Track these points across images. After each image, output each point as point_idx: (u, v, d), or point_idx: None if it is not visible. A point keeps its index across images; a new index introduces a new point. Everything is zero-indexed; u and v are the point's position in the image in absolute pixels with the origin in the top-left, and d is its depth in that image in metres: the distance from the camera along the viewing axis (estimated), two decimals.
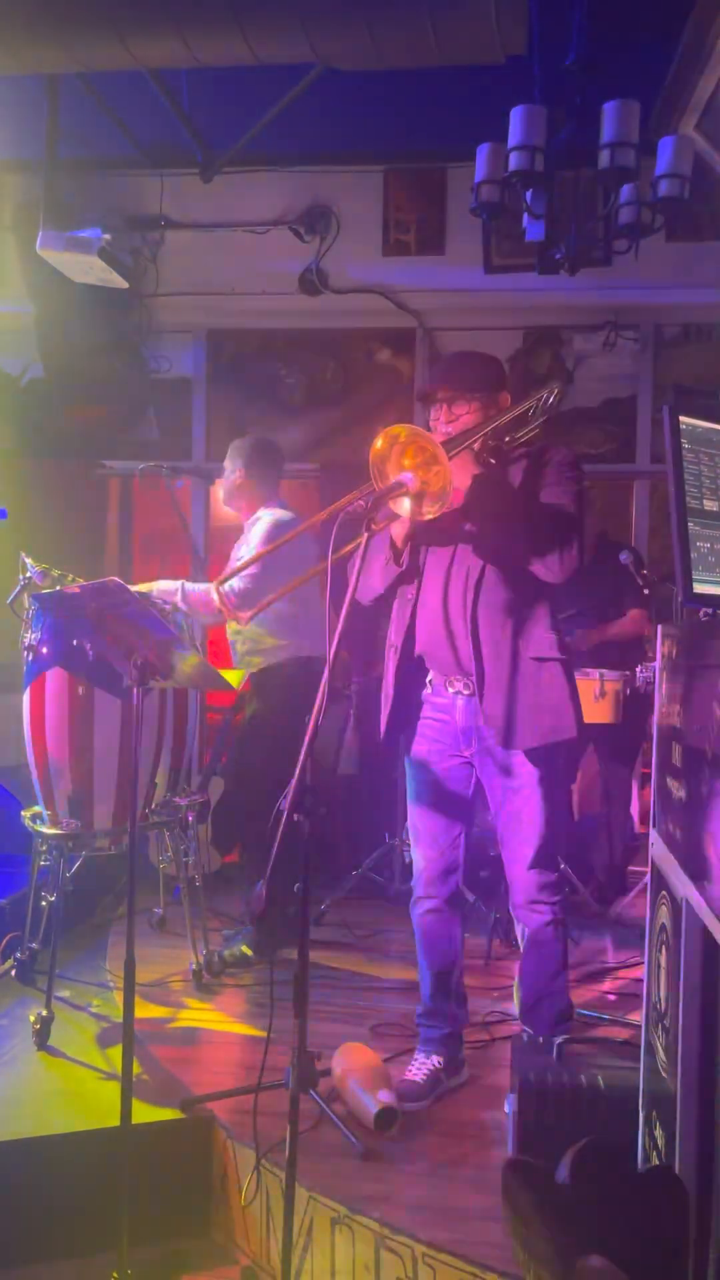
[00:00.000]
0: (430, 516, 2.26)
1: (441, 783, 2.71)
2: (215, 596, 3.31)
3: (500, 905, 3.75)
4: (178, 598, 3.43)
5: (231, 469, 3.80)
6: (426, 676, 2.72)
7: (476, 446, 2.52)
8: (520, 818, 2.62)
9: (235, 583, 3.39)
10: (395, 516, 2.38)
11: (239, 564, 3.43)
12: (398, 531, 2.55)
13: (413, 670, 2.71)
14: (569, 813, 4.48)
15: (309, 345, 5.67)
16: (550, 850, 2.65)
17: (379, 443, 2.20)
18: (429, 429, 2.60)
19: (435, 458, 2.18)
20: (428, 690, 2.72)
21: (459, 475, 2.46)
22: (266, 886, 2.24)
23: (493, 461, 2.58)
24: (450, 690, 2.65)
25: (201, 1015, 3.31)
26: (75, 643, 3.15)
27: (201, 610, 3.45)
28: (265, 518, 3.63)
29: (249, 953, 3.58)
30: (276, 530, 3.54)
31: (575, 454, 2.64)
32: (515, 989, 2.79)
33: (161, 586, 3.51)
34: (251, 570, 3.33)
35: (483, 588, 2.56)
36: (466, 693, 2.62)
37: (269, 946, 3.57)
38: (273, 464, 3.80)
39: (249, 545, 3.59)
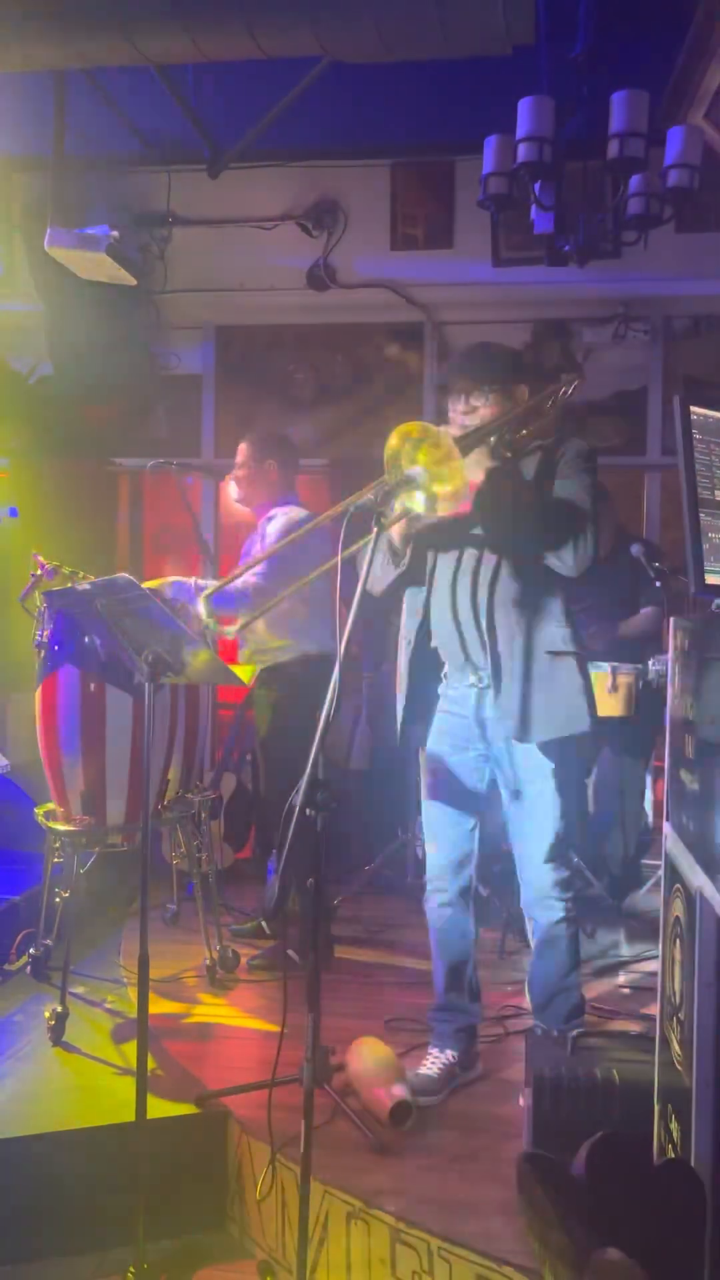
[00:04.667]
0: (443, 512, 2.26)
1: (455, 776, 2.71)
2: (202, 609, 3.08)
3: (514, 899, 3.75)
4: (199, 609, 3.36)
5: (248, 463, 3.72)
6: (441, 669, 2.72)
7: (491, 440, 2.51)
8: (533, 812, 2.62)
9: (251, 580, 3.35)
10: (408, 513, 2.37)
11: (250, 561, 3.41)
12: (396, 532, 2.53)
13: (428, 664, 2.70)
14: (583, 807, 4.47)
15: (318, 340, 5.66)
16: (563, 846, 2.64)
17: (393, 439, 2.20)
18: (444, 421, 2.59)
19: (449, 454, 2.17)
20: (442, 684, 2.71)
21: (474, 469, 2.45)
22: (280, 882, 2.23)
23: (508, 455, 2.57)
24: (464, 683, 2.65)
25: (215, 1010, 3.31)
26: (87, 640, 3.16)
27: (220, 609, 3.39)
28: (280, 516, 3.60)
29: (294, 957, 3.52)
30: (290, 528, 3.51)
31: (591, 447, 2.63)
32: (527, 985, 2.78)
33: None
34: (262, 569, 3.32)
35: (497, 581, 2.55)
36: (481, 685, 2.61)
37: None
38: (290, 457, 3.78)
39: (266, 542, 3.56)
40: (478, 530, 2.59)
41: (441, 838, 2.74)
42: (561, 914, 2.65)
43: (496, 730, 2.61)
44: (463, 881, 2.75)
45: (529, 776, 2.61)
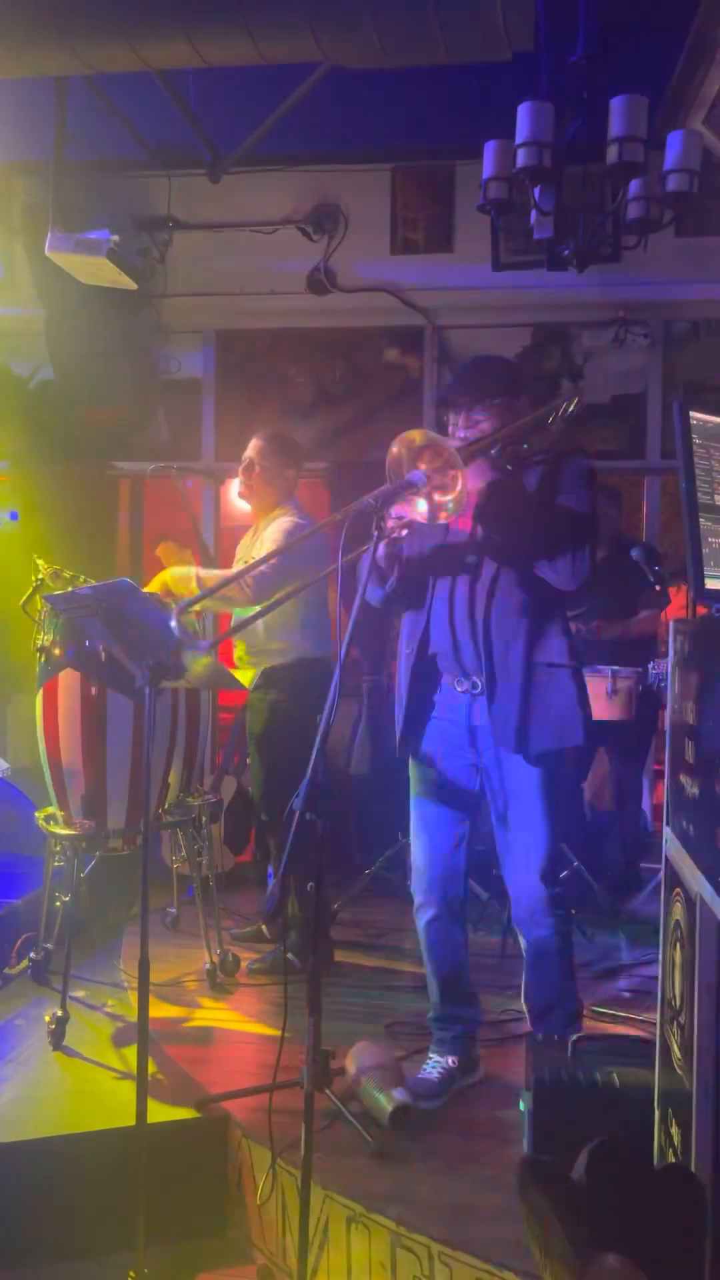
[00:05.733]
0: (443, 520, 2.26)
1: (446, 784, 2.69)
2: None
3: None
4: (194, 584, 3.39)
5: (266, 465, 3.69)
6: (440, 678, 2.70)
7: (492, 452, 2.51)
8: (522, 827, 2.59)
9: (251, 579, 3.38)
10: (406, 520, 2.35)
11: (253, 561, 3.41)
12: (383, 553, 2.49)
13: (428, 673, 2.69)
14: (575, 819, 4.47)
15: (318, 345, 5.67)
16: (555, 862, 2.61)
17: (394, 448, 2.20)
18: (445, 433, 2.59)
19: (450, 463, 2.18)
20: (438, 691, 2.70)
21: (474, 480, 2.45)
22: (280, 886, 2.23)
23: (509, 467, 2.57)
24: (459, 690, 2.64)
25: (216, 1015, 3.31)
26: (88, 644, 3.16)
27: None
28: (285, 520, 3.61)
29: (295, 961, 3.49)
30: (293, 534, 3.53)
31: (592, 463, 2.62)
32: (522, 996, 2.76)
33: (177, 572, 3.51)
34: (271, 569, 3.34)
35: (496, 592, 2.54)
36: (475, 692, 2.61)
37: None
38: (295, 459, 3.79)
39: (266, 545, 3.57)
40: (477, 541, 2.59)
41: (428, 847, 2.71)
42: (551, 931, 2.61)
43: (486, 739, 2.59)
44: (450, 895, 2.71)
45: (518, 788, 2.58)
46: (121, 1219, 2.28)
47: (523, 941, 2.69)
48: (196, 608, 3.45)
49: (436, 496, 2.21)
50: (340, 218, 5.33)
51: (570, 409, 2.62)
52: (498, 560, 2.55)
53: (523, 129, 3.32)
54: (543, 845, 2.58)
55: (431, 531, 2.58)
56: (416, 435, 2.20)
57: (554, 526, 2.49)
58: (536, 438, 2.61)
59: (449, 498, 2.19)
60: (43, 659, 3.26)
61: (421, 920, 2.76)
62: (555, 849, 2.61)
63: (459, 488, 2.17)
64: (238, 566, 3.65)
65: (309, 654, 3.58)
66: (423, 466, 2.20)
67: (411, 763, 2.75)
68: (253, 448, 3.72)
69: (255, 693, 3.71)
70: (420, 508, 2.24)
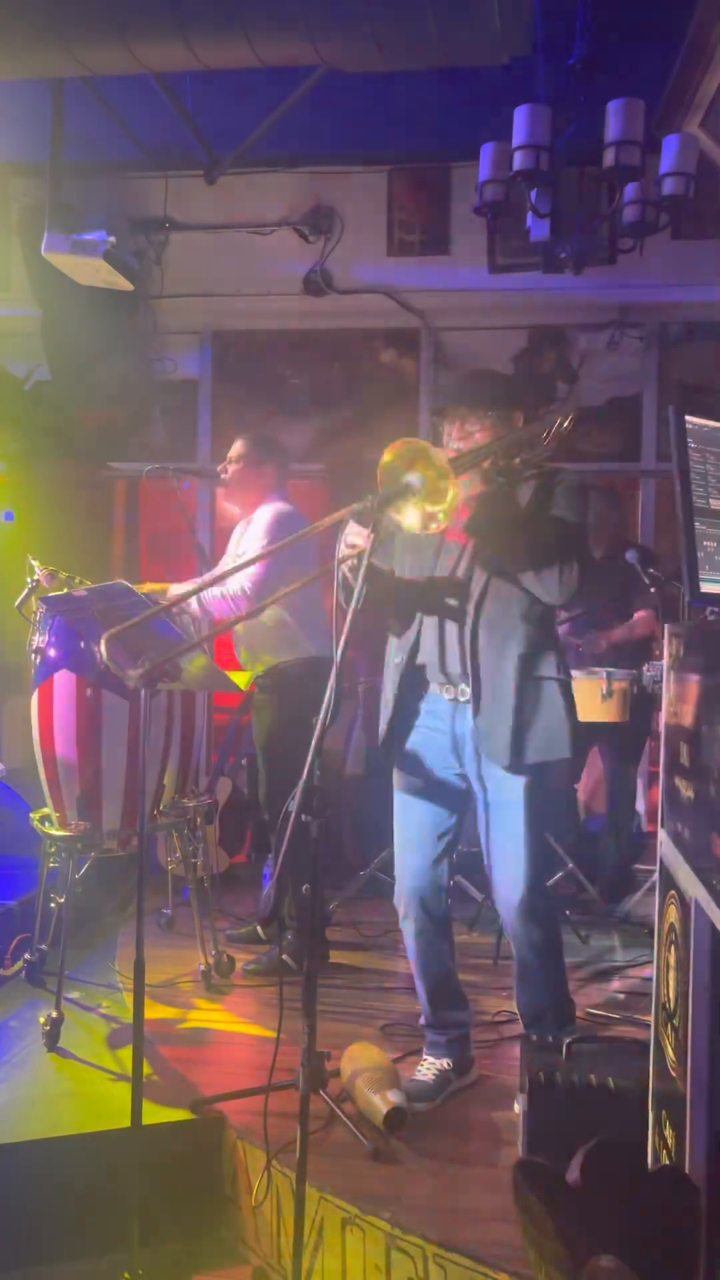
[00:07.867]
0: (433, 530, 2.26)
1: (429, 793, 2.67)
2: (228, 599, 3.39)
3: None
4: (193, 606, 3.43)
5: (244, 464, 3.72)
6: (427, 687, 2.69)
7: (485, 465, 2.51)
8: (508, 837, 2.57)
9: (245, 581, 3.40)
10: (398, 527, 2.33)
11: (242, 560, 3.42)
12: (348, 568, 2.24)
13: (416, 682, 2.68)
14: (569, 822, 4.48)
15: (314, 346, 5.68)
16: (540, 871, 2.60)
17: (386, 456, 2.20)
18: (439, 443, 2.59)
19: (443, 473, 2.18)
20: (424, 700, 2.69)
21: (466, 491, 2.45)
22: (275, 887, 2.23)
23: (501, 480, 2.57)
24: (445, 698, 2.64)
25: (211, 1016, 3.31)
26: (83, 645, 3.16)
27: (216, 614, 3.45)
28: (267, 511, 3.62)
29: (290, 962, 3.51)
30: (279, 522, 3.53)
31: (584, 479, 2.62)
32: (515, 1003, 2.76)
33: (175, 591, 3.51)
34: (260, 564, 3.35)
35: (485, 603, 2.54)
36: (462, 700, 2.60)
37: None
38: (277, 457, 3.79)
39: (252, 539, 3.58)
40: (467, 553, 2.59)
41: (409, 863, 2.70)
42: (540, 939, 2.61)
43: (470, 748, 2.58)
44: (431, 909, 2.70)
45: (501, 799, 2.57)
46: (116, 1220, 2.28)
47: (513, 948, 2.69)
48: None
49: (427, 505, 2.20)
50: (336, 219, 5.34)
51: (565, 425, 2.62)
52: (487, 572, 2.55)
53: (519, 132, 3.33)
54: (527, 856, 2.56)
55: (423, 542, 2.58)
56: (408, 445, 2.20)
57: (544, 541, 2.49)
58: (530, 452, 2.61)
59: (440, 507, 2.19)
60: (38, 660, 3.26)
61: (406, 933, 2.75)
62: (539, 859, 2.59)
63: (450, 498, 2.17)
64: (229, 559, 3.66)
65: (312, 653, 3.59)
66: (415, 476, 2.20)
67: (395, 773, 2.74)
68: (232, 448, 3.75)
69: (261, 694, 3.72)
70: (411, 516, 2.23)
